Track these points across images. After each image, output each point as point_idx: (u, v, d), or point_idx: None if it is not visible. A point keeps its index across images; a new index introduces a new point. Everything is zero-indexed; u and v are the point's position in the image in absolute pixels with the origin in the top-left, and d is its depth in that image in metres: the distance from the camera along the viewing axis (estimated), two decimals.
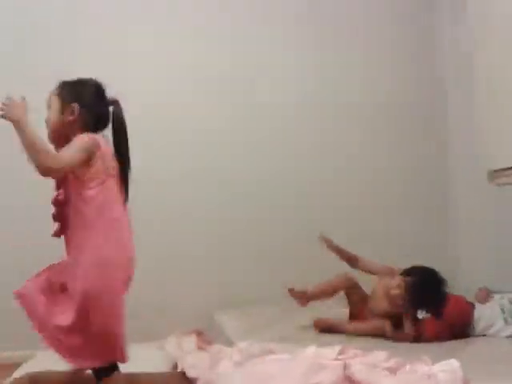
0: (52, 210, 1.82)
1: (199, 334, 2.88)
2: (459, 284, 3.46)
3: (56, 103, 1.84)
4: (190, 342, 2.77)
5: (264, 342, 2.13)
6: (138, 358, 2.46)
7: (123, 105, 1.90)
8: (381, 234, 3.44)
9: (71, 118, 1.82)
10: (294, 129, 3.48)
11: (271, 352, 2.03)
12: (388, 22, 3.64)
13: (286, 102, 3.46)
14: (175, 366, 2.45)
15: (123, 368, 2.17)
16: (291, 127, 3.47)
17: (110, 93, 1.91)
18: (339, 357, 1.74)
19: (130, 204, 3.02)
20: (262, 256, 3.31)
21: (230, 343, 2.43)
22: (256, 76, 3.42)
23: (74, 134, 1.78)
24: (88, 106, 1.84)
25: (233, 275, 3.23)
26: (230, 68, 3.37)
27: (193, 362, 2.40)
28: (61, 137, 1.82)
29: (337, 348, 1.82)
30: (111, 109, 1.90)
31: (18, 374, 2.29)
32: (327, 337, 2.44)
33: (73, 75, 1.90)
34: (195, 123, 3.32)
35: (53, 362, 2.42)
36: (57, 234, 1.85)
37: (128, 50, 3.26)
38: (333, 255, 3.07)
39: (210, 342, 2.80)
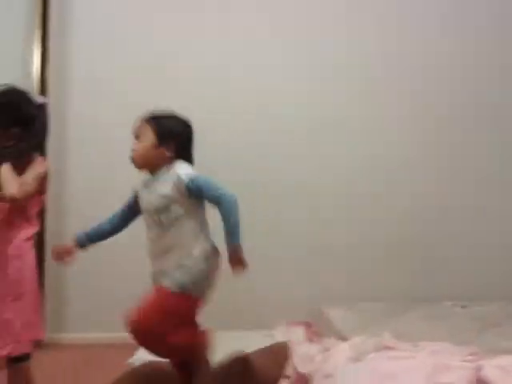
0: None
1: (308, 325, 2.88)
2: None
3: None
4: (299, 333, 2.78)
5: (379, 338, 2.08)
6: (250, 345, 2.53)
7: None
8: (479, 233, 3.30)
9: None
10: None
11: (387, 348, 1.99)
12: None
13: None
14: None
15: None
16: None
17: None
18: (466, 358, 1.66)
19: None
20: (374, 254, 3.21)
21: (340, 337, 2.40)
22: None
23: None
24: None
25: (342, 270, 3.18)
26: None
27: (304, 353, 2.41)
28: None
29: (465, 349, 1.75)
30: None
31: (140, 353, 2.42)
32: (444, 337, 2.33)
33: None
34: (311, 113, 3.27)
35: None
36: None
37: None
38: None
39: (318, 335, 2.80)
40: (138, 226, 2.99)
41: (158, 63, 3.12)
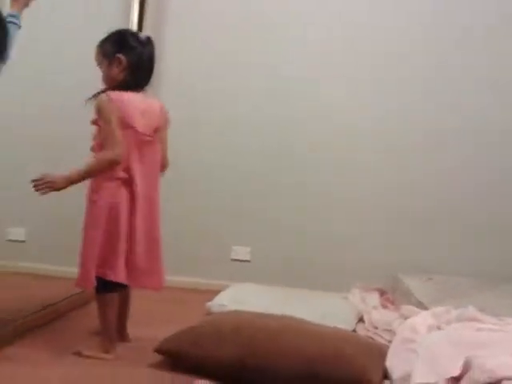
0: None
1: (382, 292, 2.87)
2: None
3: None
4: (373, 298, 2.78)
5: (463, 309, 2.04)
6: (327, 304, 2.57)
7: None
8: None
9: None
10: None
11: (472, 320, 1.95)
12: None
13: None
14: (361, 318, 2.49)
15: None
16: None
17: None
18: None
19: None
20: (457, 228, 3.12)
21: (419, 307, 2.37)
22: None
23: None
24: None
25: (420, 240, 3.12)
26: None
27: (380, 317, 2.41)
28: None
29: None
30: None
31: (217, 299, 2.52)
32: None
33: None
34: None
35: (244, 293, 2.63)
36: None
37: None
38: None
39: (392, 302, 2.79)
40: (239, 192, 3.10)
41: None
